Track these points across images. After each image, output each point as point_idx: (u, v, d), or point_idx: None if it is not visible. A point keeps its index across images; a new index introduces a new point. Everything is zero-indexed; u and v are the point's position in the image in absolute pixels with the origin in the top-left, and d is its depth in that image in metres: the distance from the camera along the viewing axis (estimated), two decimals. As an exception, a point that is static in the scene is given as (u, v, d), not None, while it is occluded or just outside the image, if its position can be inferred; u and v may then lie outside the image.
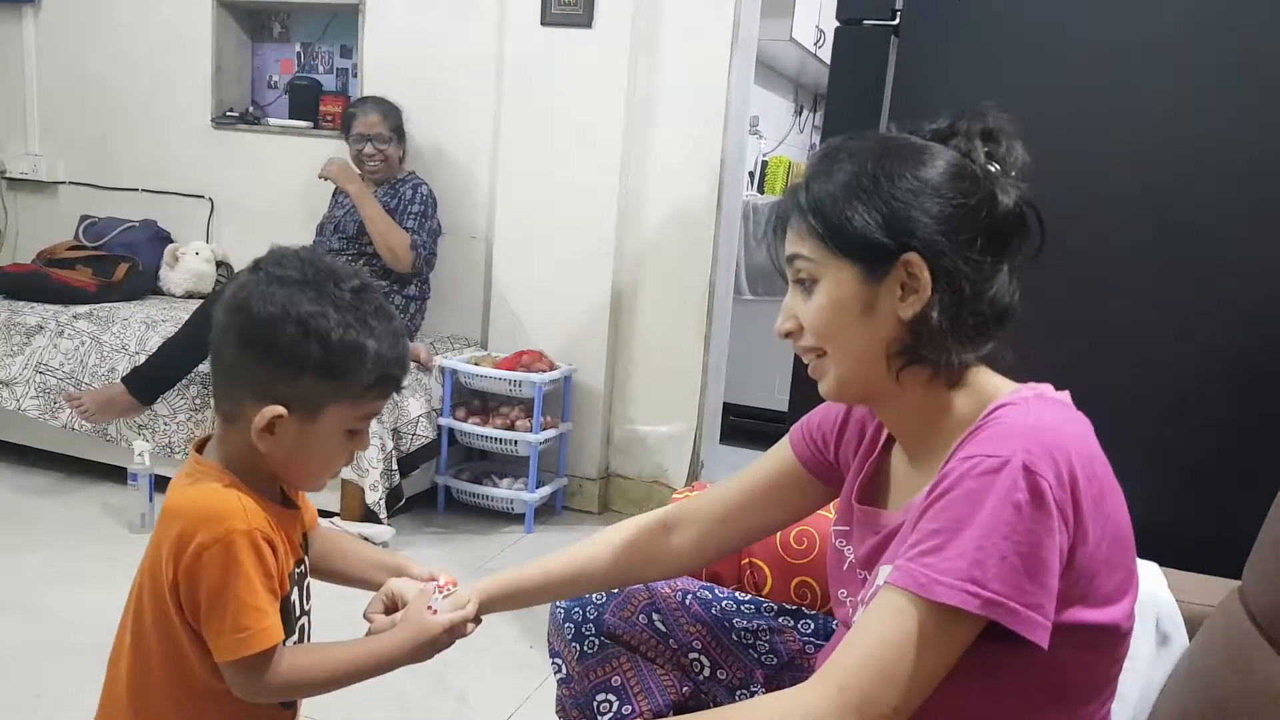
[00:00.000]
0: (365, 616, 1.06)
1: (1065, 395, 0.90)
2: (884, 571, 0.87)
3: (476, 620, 1.06)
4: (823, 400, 0.98)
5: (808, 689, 0.81)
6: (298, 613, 1.00)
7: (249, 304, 0.91)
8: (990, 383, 0.91)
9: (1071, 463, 0.79)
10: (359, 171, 2.99)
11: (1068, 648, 0.81)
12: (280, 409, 0.90)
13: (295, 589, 0.99)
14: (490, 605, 1.09)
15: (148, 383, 2.71)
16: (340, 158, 3.03)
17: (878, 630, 0.80)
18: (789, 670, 1.16)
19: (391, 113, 3.02)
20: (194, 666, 0.94)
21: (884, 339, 0.88)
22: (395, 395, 0.97)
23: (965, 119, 0.90)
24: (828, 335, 0.90)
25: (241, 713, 0.96)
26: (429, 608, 1.01)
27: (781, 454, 1.11)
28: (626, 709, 1.11)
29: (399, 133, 3.03)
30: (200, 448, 0.99)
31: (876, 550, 0.95)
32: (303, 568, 1.02)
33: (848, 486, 1.04)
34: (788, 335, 0.93)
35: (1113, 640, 0.86)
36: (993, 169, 0.88)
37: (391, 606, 1.06)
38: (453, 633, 1.01)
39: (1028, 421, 0.81)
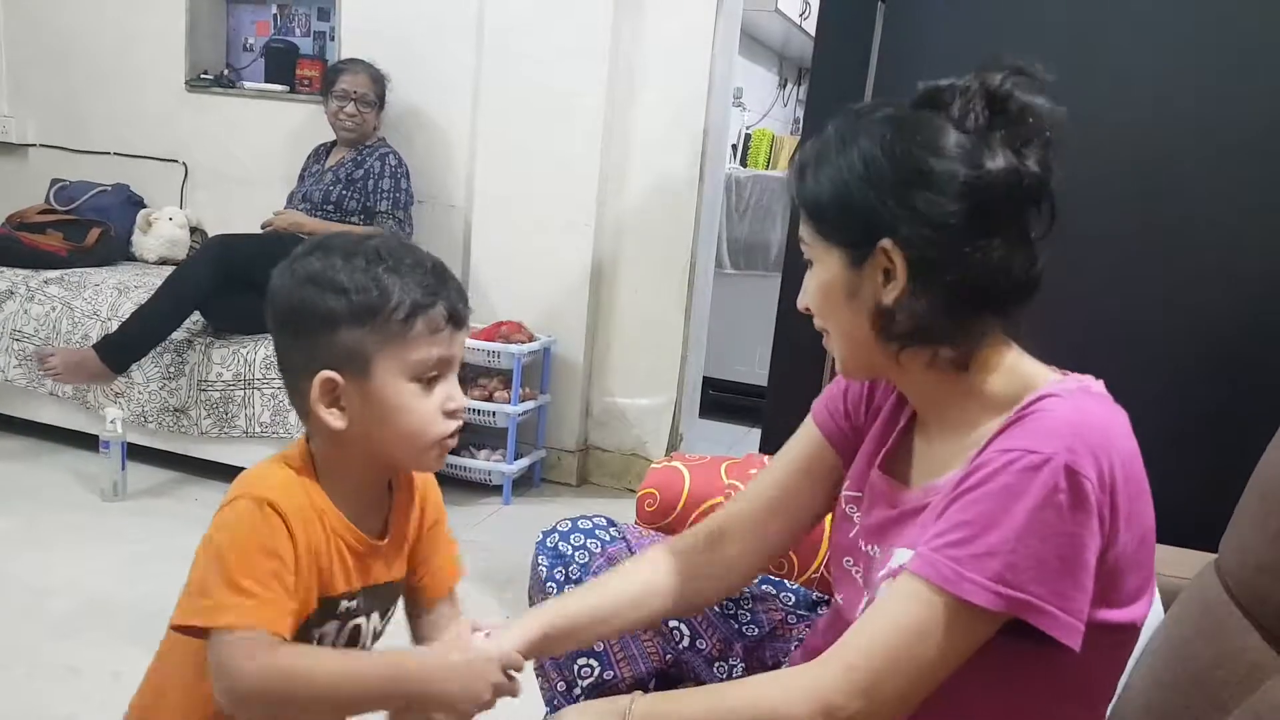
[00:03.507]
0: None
1: (1102, 386, 0.86)
2: (900, 555, 0.86)
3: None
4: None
5: (817, 666, 0.79)
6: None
7: (273, 293, 0.88)
8: (1025, 367, 0.87)
9: (1113, 463, 0.77)
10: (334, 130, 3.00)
11: (1091, 647, 0.79)
12: (330, 373, 0.85)
13: (333, 623, 0.89)
14: (532, 651, 0.95)
15: (118, 350, 2.66)
16: (287, 211, 2.97)
17: (894, 616, 0.78)
18: (770, 641, 1.15)
19: (379, 79, 3.00)
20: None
21: (870, 322, 0.86)
22: (454, 330, 0.87)
23: (972, 78, 0.84)
24: (824, 315, 0.90)
25: None
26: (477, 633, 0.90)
27: (808, 433, 1.07)
28: (608, 674, 1.10)
29: (381, 100, 3.01)
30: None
31: (888, 526, 0.92)
32: (355, 604, 0.91)
33: (867, 452, 1.00)
34: (807, 310, 0.93)
35: (1131, 638, 0.86)
36: (995, 134, 0.82)
37: None
38: (507, 665, 0.88)
39: (1073, 417, 0.78)
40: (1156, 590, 1.13)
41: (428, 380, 0.87)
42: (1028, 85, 0.83)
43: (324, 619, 0.88)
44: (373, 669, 0.84)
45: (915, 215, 0.81)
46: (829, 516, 1.07)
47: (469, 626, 0.94)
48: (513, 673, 0.89)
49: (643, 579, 1.03)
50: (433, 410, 0.87)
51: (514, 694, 0.89)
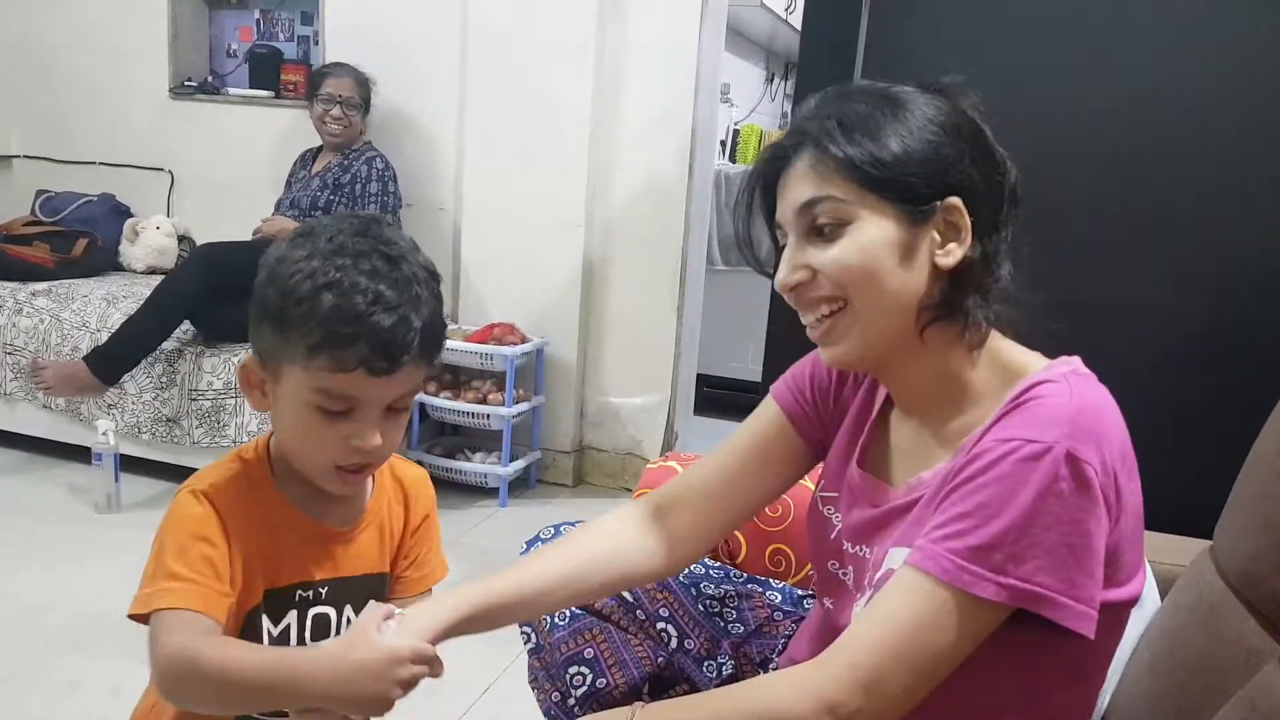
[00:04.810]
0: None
1: (1081, 364, 0.86)
2: (895, 554, 0.84)
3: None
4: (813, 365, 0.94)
5: (819, 665, 0.78)
6: (291, 641, 0.89)
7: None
8: (1011, 352, 0.87)
9: (1113, 448, 0.76)
10: (320, 134, 2.99)
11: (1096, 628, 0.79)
12: (252, 360, 0.85)
13: (292, 613, 0.88)
14: (450, 634, 0.91)
15: (109, 362, 2.65)
16: (276, 218, 2.95)
17: (894, 611, 0.77)
18: (756, 638, 1.14)
19: (364, 82, 2.99)
20: None
21: (918, 289, 0.83)
22: (369, 376, 0.79)
23: (950, 86, 0.87)
24: (858, 284, 0.82)
25: None
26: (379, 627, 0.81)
27: (767, 414, 1.03)
28: (600, 681, 1.08)
29: (366, 103, 3.00)
30: None
31: (874, 525, 0.90)
32: (314, 594, 0.89)
33: (841, 448, 0.98)
34: (795, 288, 0.85)
35: (1128, 614, 0.86)
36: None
37: None
38: (416, 660, 0.81)
39: (1071, 403, 0.77)
40: (1153, 578, 1.14)
41: (331, 412, 0.81)
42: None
43: (280, 609, 0.87)
44: (261, 663, 0.78)
45: (985, 179, 0.83)
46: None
47: (378, 616, 0.82)
48: (433, 654, 0.83)
49: (579, 556, 0.99)
50: (331, 439, 0.82)
51: (435, 675, 0.84)
